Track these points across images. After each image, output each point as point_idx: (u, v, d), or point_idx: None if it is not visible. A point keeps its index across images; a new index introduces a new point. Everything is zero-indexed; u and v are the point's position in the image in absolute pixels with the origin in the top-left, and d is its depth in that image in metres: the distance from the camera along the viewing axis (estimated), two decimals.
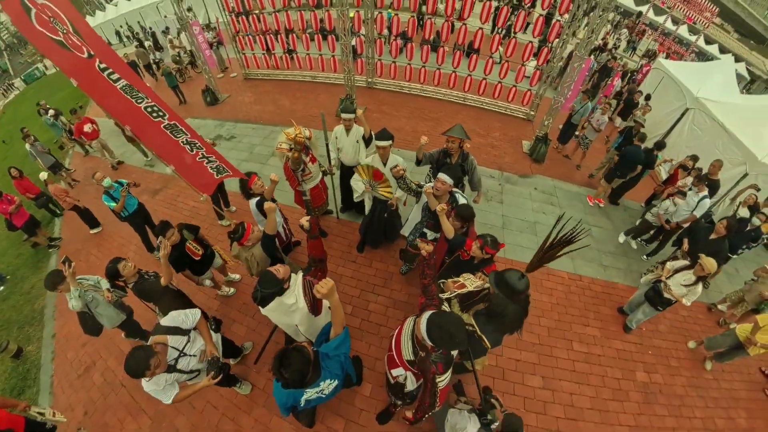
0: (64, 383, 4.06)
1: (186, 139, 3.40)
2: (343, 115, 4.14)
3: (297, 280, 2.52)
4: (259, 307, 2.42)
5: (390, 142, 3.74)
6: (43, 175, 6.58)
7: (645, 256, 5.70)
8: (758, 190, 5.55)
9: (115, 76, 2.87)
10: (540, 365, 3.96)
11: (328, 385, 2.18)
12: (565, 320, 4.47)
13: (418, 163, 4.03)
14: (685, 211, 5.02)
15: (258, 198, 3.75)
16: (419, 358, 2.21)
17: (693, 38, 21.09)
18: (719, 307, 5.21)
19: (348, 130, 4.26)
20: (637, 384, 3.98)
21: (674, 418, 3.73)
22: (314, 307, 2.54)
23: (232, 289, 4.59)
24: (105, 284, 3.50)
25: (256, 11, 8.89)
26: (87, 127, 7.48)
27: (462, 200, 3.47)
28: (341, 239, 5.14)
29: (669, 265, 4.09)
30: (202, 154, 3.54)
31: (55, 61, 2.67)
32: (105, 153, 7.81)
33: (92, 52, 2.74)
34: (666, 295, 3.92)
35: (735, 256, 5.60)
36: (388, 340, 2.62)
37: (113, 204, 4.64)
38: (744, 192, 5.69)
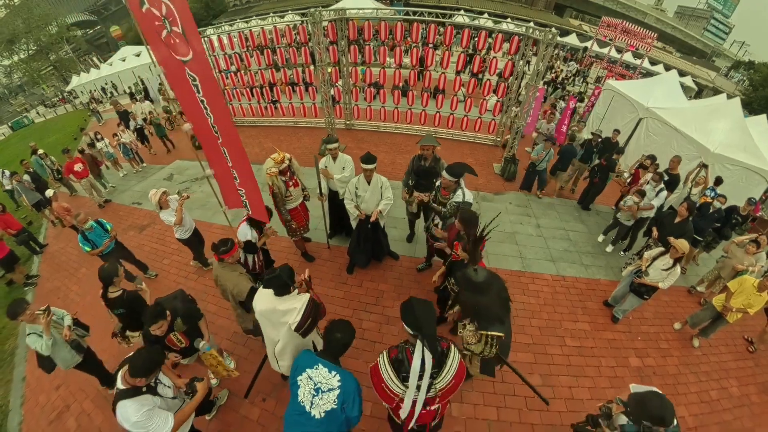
0: (35, 430, 3.80)
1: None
2: (329, 146, 4.61)
3: (304, 297, 2.67)
4: (257, 297, 2.64)
5: (374, 165, 4.16)
6: (49, 192, 6.79)
7: (622, 252, 6.05)
8: (706, 166, 6.13)
9: (198, 86, 3.10)
10: (537, 364, 4.07)
11: (332, 379, 2.18)
12: (555, 319, 4.66)
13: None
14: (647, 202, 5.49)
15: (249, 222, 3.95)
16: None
17: (638, 62, 23.33)
18: (698, 288, 5.51)
19: (335, 158, 4.69)
20: (632, 369, 4.13)
21: (671, 397, 3.70)
22: (306, 328, 2.62)
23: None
24: (68, 320, 3.42)
25: (243, 70, 9.93)
26: (77, 167, 7.85)
27: (468, 194, 3.86)
28: (331, 263, 5.32)
29: (647, 254, 4.41)
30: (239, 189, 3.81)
31: (152, 48, 2.95)
32: (93, 192, 8.14)
33: (188, 58, 2.92)
34: (642, 280, 4.20)
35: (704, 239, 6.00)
36: None
37: (88, 248, 4.61)
38: (694, 172, 6.27)
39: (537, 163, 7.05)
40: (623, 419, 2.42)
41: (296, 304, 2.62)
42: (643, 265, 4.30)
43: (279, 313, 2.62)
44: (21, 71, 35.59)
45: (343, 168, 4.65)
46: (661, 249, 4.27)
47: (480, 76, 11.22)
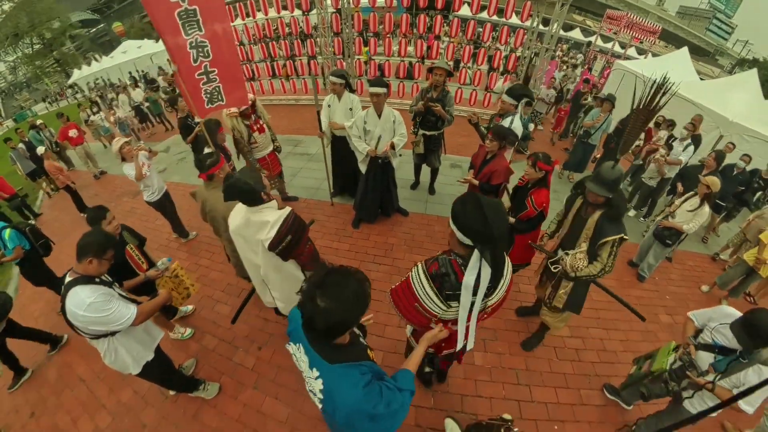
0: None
1: (196, 40, 2.80)
2: (332, 79, 4.08)
3: (284, 210, 2.21)
4: (232, 213, 2.28)
5: (384, 90, 3.61)
6: (41, 149, 6.46)
7: (642, 218, 5.77)
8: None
9: None
10: None
11: (312, 380, 1.31)
12: None
13: (414, 114, 4.57)
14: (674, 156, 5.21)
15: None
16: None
17: (641, 57, 23.12)
18: (721, 256, 5.23)
19: (339, 96, 4.21)
20: (663, 325, 3.85)
21: None
22: (283, 247, 2.08)
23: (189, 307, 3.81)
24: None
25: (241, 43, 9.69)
26: (72, 132, 7.61)
27: (517, 124, 3.84)
28: (335, 218, 4.96)
29: (677, 201, 4.14)
30: (206, 67, 2.97)
31: None
32: (89, 162, 7.84)
33: None
34: (666, 222, 3.99)
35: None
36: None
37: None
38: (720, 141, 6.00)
39: (592, 132, 5.89)
40: (704, 357, 2.14)
41: (270, 216, 2.11)
42: (671, 209, 4.04)
43: (253, 226, 2.12)
44: (25, 67, 35.49)
45: (350, 109, 4.18)
46: (691, 192, 4.01)
47: (488, 44, 11.04)
